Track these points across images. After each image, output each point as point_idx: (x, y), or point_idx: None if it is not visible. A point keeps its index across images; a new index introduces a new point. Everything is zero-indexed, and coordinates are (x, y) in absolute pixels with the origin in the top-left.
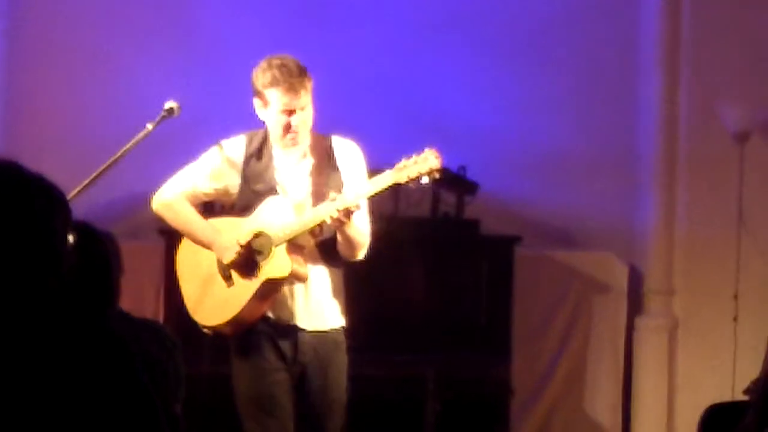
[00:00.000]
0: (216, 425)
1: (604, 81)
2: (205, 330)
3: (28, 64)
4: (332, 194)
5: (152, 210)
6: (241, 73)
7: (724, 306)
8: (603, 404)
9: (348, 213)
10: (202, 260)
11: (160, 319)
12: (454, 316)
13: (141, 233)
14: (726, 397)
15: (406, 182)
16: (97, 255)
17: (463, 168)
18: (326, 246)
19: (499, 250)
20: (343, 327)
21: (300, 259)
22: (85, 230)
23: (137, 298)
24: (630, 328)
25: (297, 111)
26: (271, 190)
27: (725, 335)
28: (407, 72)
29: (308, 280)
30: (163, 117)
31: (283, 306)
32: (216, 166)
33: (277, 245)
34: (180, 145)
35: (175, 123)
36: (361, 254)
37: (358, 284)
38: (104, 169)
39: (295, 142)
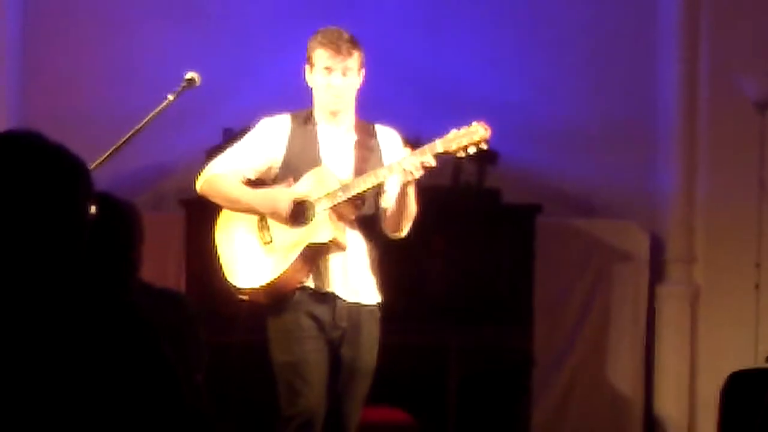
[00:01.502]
0: (243, 392)
1: (625, 50)
2: (242, 296)
3: (46, 36)
4: (405, 150)
5: (198, 193)
6: (259, 43)
7: (745, 274)
8: (625, 373)
9: (422, 167)
10: (239, 228)
11: (182, 289)
12: (476, 286)
13: (162, 204)
14: (748, 364)
15: (455, 151)
16: (118, 225)
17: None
18: (366, 222)
19: (520, 219)
20: (378, 303)
21: (342, 227)
22: (106, 200)
23: (159, 269)
24: (651, 297)
25: (339, 72)
26: (315, 165)
27: (747, 303)
28: (427, 46)
29: (347, 251)
30: (184, 87)
31: (321, 275)
32: (262, 145)
33: (320, 210)
34: (200, 115)
35: (195, 93)
36: (406, 229)
37: (380, 254)
38: (126, 140)
39: (337, 101)
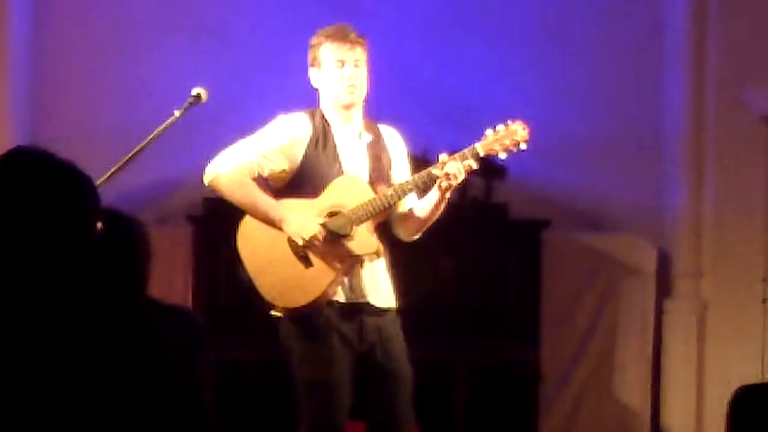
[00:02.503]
0: (249, 408)
1: (632, 64)
2: (277, 312)
3: (53, 51)
4: (442, 156)
5: (205, 183)
6: (267, 58)
7: (752, 288)
8: (632, 387)
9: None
10: (269, 238)
11: (189, 305)
12: (483, 301)
13: (169, 219)
14: (755, 378)
15: (496, 152)
16: (125, 241)
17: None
18: (383, 227)
19: (527, 233)
20: (397, 307)
21: (376, 235)
22: (113, 216)
23: (166, 285)
24: (659, 311)
25: (351, 64)
26: (335, 168)
27: (754, 317)
28: (435, 59)
29: (377, 258)
30: (191, 103)
31: (354, 286)
32: (282, 142)
33: (358, 223)
34: (207, 131)
35: (202, 109)
36: (419, 234)
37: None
38: (132, 156)
39: (352, 93)
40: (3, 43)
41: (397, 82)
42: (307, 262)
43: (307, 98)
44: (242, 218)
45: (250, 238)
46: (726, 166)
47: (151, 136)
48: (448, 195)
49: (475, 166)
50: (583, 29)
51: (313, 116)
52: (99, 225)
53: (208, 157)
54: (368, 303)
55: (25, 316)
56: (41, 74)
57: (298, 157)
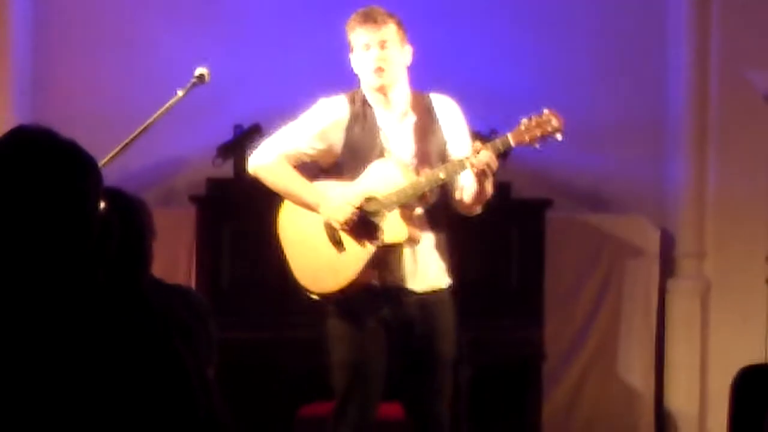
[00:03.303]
0: (253, 388)
1: (635, 43)
2: (313, 296)
3: (55, 31)
4: (476, 144)
5: (249, 173)
6: (270, 39)
7: (756, 268)
8: (635, 367)
9: (482, 172)
10: (307, 224)
11: (192, 285)
12: (486, 281)
13: (173, 200)
14: (758, 358)
15: (528, 143)
16: (128, 221)
17: (494, 132)
18: (432, 210)
19: (530, 213)
20: (449, 286)
21: (413, 219)
22: (116, 196)
23: (169, 265)
24: (662, 291)
25: (377, 46)
26: (376, 151)
27: (758, 297)
28: (442, 40)
29: (418, 243)
30: (194, 83)
31: (391, 270)
32: (320, 126)
33: (390, 210)
34: (211, 111)
35: (205, 89)
36: (480, 209)
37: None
38: (136, 136)
39: (380, 76)
40: (5, 24)
41: None
42: (341, 248)
43: (310, 77)
44: (282, 203)
45: (288, 222)
46: (729, 146)
47: (155, 116)
48: (486, 181)
49: (503, 149)
50: (586, 9)
51: (353, 99)
52: (102, 204)
53: (211, 138)
54: (406, 288)
55: (27, 295)
56: (43, 55)
57: (338, 140)
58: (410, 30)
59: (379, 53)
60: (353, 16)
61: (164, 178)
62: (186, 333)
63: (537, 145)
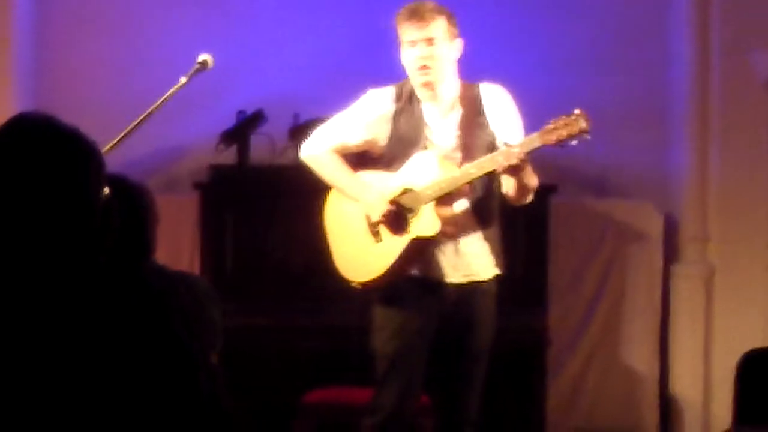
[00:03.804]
0: (259, 375)
1: (636, 29)
2: (353, 284)
3: (57, 18)
4: (505, 143)
5: (300, 159)
6: (273, 25)
7: (760, 253)
8: (640, 353)
9: (512, 168)
10: (351, 214)
11: (196, 271)
12: None
13: (176, 186)
14: (762, 343)
15: (555, 144)
16: (132, 208)
17: None
18: (478, 203)
19: (534, 199)
20: (495, 275)
21: (449, 216)
22: (119, 183)
23: (172, 251)
24: (666, 276)
25: (423, 43)
26: (420, 145)
27: (761, 282)
28: None
29: (457, 235)
30: (197, 70)
31: (431, 264)
32: (366, 118)
33: (425, 203)
34: (214, 97)
35: (208, 76)
36: (529, 198)
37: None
38: (139, 123)
39: (425, 74)
40: (7, 10)
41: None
42: (378, 238)
43: (313, 63)
44: (329, 191)
45: (333, 211)
46: (732, 131)
47: (158, 102)
48: (523, 174)
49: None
50: None
51: (401, 90)
52: (105, 191)
53: (214, 124)
54: (445, 281)
55: (29, 282)
56: (45, 41)
57: (384, 132)
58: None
59: (426, 51)
60: (401, 11)
61: (167, 164)
62: (190, 319)
63: (560, 146)
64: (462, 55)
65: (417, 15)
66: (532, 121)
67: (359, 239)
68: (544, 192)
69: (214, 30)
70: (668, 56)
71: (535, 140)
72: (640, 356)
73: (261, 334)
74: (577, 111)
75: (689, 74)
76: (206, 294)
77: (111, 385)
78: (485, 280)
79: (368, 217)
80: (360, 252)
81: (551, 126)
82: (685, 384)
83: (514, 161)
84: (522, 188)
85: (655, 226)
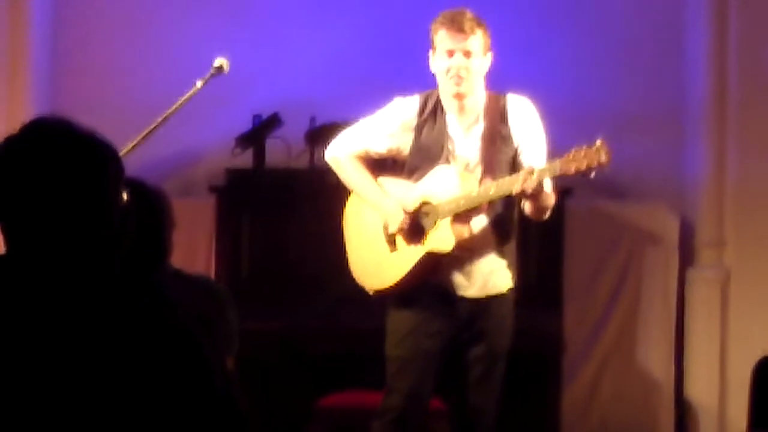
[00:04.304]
0: (273, 379)
1: (652, 30)
2: (368, 291)
3: (75, 22)
4: (528, 168)
5: (323, 160)
6: (289, 29)
7: None
8: (655, 357)
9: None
10: (369, 220)
11: (212, 275)
12: None
13: (192, 190)
14: None
15: (574, 174)
16: (148, 211)
17: None
18: (496, 218)
19: None
20: (509, 290)
21: (465, 232)
22: (136, 187)
23: (188, 255)
24: (681, 281)
25: (461, 54)
26: (442, 157)
27: None
28: None
29: (473, 251)
30: (213, 74)
31: (445, 277)
32: (389, 127)
33: (442, 218)
34: (230, 101)
35: (224, 80)
36: (546, 216)
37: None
38: (155, 127)
39: (458, 84)
40: (25, 13)
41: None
42: (394, 247)
43: (329, 67)
44: (349, 196)
45: (352, 216)
46: (749, 134)
47: (174, 106)
48: (541, 198)
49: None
50: None
51: (426, 100)
52: (124, 195)
53: (230, 128)
54: (458, 294)
55: (48, 287)
56: (62, 44)
57: (407, 141)
58: (423, 20)
59: (463, 62)
60: (440, 18)
61: (183, 168)
62: (206, 323)
63: (579, 176)
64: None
65: (457, 24)
66: (549, 125)
67: (375, 247)
68: (559, 195)
69: (231, 34)
70: (684, 58)
71: (556, 168)
72: (655, 361)
73: (276, 338)
74: (598, 142)
75: (706, 77)
76: (222, 298)
77: (128, 389)
78: (502, 292)
79: (386, 226)
80: (375, 259)
81: (572, 155)
82: (700, 389)
83: (533, 186)
84: (539, 209)
85: (671, 230)
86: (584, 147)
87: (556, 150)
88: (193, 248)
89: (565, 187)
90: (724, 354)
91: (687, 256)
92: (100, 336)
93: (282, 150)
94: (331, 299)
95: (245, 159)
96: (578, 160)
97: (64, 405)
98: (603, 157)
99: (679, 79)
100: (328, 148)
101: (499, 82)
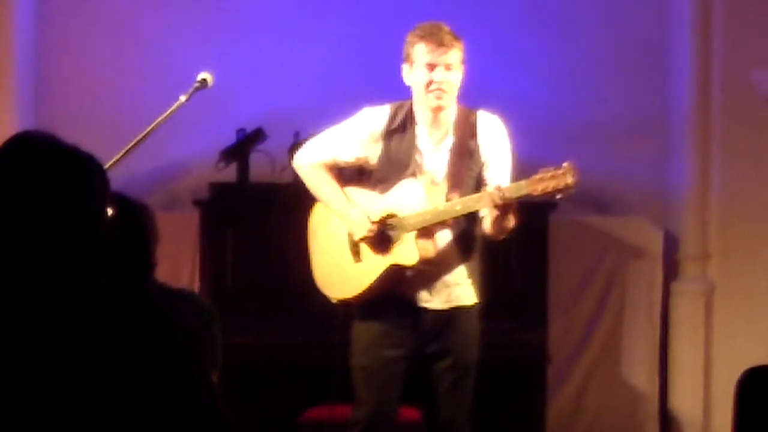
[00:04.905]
0: (257, 393)
1: (637, 44)
2: (331, 300)
3: (59, 35)
4: (495, 186)
5: (293, 168)
6: (272, 43)
7: (760, 270)
8: (640, 370)
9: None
10: (335, 229)
11: (196, 289)
12: (490, 284)
13: (176, 204)
14: (763, 360)
15: (540, 194)
16: (133, 226)
17: None
18: (460, 233)
19: (533, 216)
20: (474, 304)
21: (430, 246)
22: (120, 201)
23: (173, 269)
24: (666, 294)
25: (442, 68)
26: (409, 169)
27: (761, 299)
28: None
29: (437, 264)
30: (197, 88)
31: (408, 289)
32: (358, 136)
33: (407, 231)
34: (214, 115)
35: (209, 94)
36: (503, 236)
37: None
38: (139, 141)
39: (439, 98)
40: (8, 27)
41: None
42: (358, 258)
43: (313, 81)
44: (315, 204)
45: (318, 224)
46: (733, 148)
47: (158, 120)
48: (504, 219)
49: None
50: (588, 10)
51: (396, 111)
52: (109, 210)
53: (214, 142)
54: (423, 307)
55: (31, 301)
56: (46, 58)
57: (375, 151)
58: (405, 31)
59: (444, 75)
60: (418, 31)
61: (168, 182)
62: (190, 337)
63: (545, 198)
64: (468, 76)
65: (437, 39)
66: (532, 138)
67: (340, 256)
68: (543, 209)
69: (215, 48)
70: (669, 72)
71: (522, 188)
72: (640, 373)
73: (261, 351)
74: (565, 164)
75: (690, 91)
76: (207, 312)
77: (113, 403)
78: (467, 305)
79: (351, 236)
80: (339, 269)
81: (539, 176)
82: (685, 401)
83: (498, 205)
84: (499, 229)
85: (655, 244)
86: (552, 169)
87: (535, 165)
88: (178, 262)
89: (549, 202)
90: (708, 367)
91: (671, 269)
92: (86, 351)
93: (266, 164)
94: (315, 313)
95: (229, 173)
96: (545, 181)
97: (51, 419)
98: (569, 180)
99: (662, 94)
100: (296, 155)
101: (483, 95)
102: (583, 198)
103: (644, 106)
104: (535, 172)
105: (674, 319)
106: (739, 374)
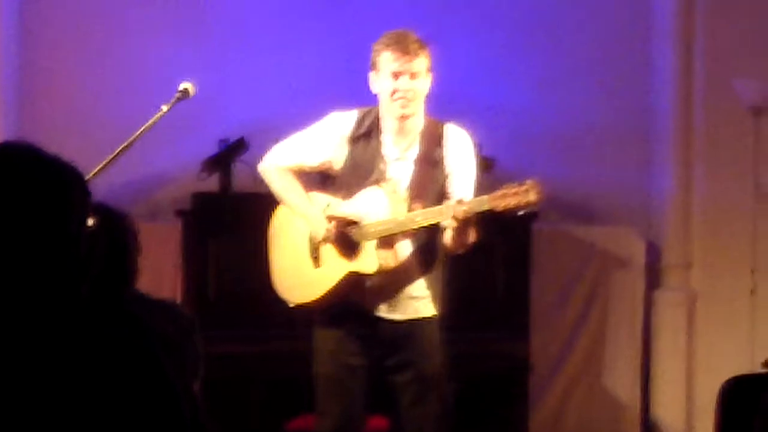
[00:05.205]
0: (238, 403)
1: (619, 54)
2: (290, 304)
3: (41, 45)
4: (456, 200)
5: (258, 170)
6: (255, 53)
7: (741, 279)
8: (622, 379)
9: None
10: (296, 234)
11: (178, 299)
12: (472, 293)
13: (158, 214)
14: (745, 369)
15: (502, 210)
16: (114, 236)
17: (478, 145)
18: (421, 244)
19: (516, 225)
20: (433, 316)
21: (389, 255)
22: (101, 211)
23: (155, 280)
24: (648, 303)
25: (407, 76)
26: (373, 176)
27: (743, 308)
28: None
29: (397, 271)
30: (178, 98)
31: (366, 298)
32: (323, 140)
33: (368, 239)
34: (196, 125)
35: (191, 104)
36: (464, 250)
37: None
38: (120, 151)
39: (404, 107)
40: None
41: None
42: (317, 263)
43: (295, 91)
44: (277, 208)
45: (279, 227)
46: (715, 158)
47: (139, 131)
48: (464, 233)
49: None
50: (570, 21)
51: (363, 117)
52: (90, 221)
53: (196, 152)
54: (380, 316)
55: (13, 314)
56: (29, 69)
57: (340, 156)
58: None
59: (409, 83)
60: (384, 39)
61: (149, 192)
62: (171, 347)
63: (507, 214)
64: (445, 81)
65: (402, 47)
66: (516, 148)
67: (299, 261)
68: (525, 218)
69: (196, 58)
70: (652, 82)
71: (484, 203)
72: (622, 383)
73: (244, 362)
74: (529, 181)
75: (672, 101)
76: (187, 322)
77: (94, 415)
78: (425, 317)
79: (312, 239)
80: (298, 274)
81: (501, 192)
82: (667, 410)
83: (459, 218)
84: (460, 242)
85: (637, 252)
86: (515, 185)
87: (517, 174)
88: (160, 272)
89: (531, 211)
90: (690, 376)
91: (653, 278)
92: (66, 362)
93: (248, 174)
94: (298, 323)
95: (211, 183)
96: (507, 197)
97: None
98: (531, 198)
99: (645, 103)
100: (262, 160)
101: (465, 105)
102: (566, 207)
103: (626, 116)
104: (513, 176)
105: (656, 327)
106: (721, 383)
